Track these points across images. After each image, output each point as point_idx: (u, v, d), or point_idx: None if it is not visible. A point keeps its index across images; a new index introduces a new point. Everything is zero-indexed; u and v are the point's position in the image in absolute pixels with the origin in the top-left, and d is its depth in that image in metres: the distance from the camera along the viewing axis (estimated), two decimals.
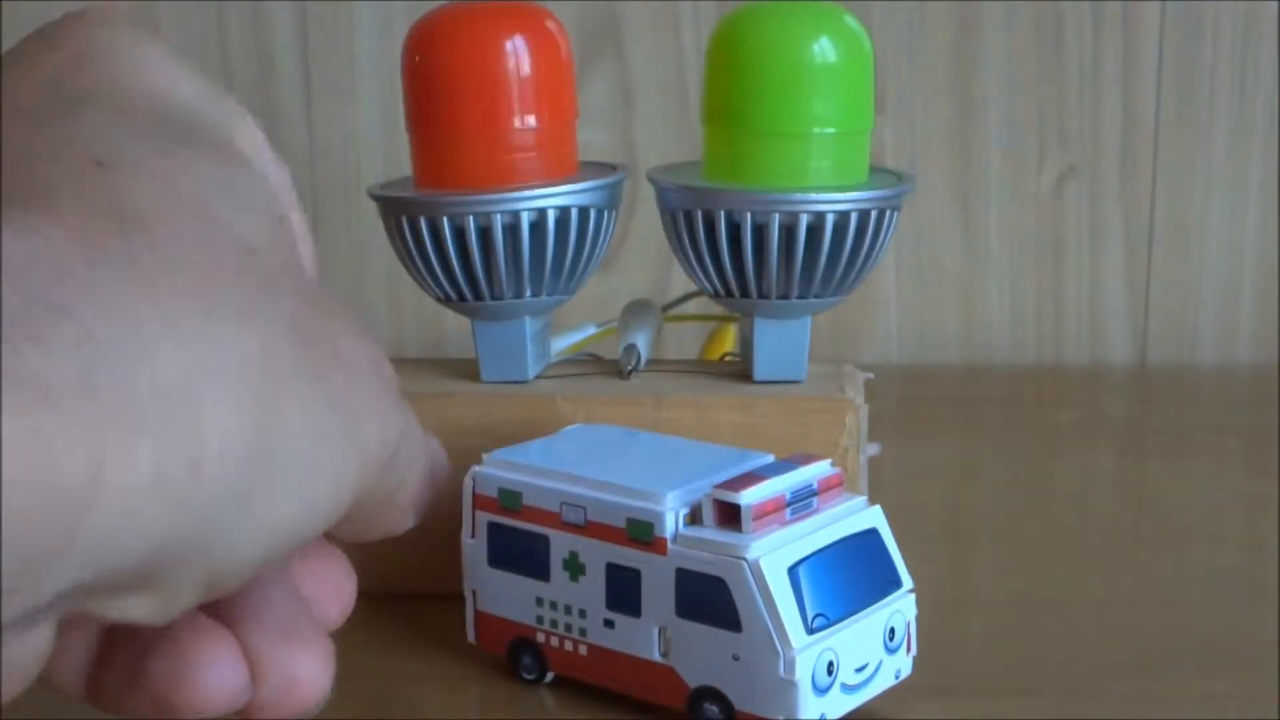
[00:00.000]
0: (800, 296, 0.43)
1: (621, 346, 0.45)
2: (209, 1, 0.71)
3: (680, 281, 0.47)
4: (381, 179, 0.47)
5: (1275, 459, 0.58)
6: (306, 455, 0.25)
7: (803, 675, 0.33)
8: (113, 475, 0.21)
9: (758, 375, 0.44)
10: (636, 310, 0.48)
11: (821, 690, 0.34)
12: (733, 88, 0.43)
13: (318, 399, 0.25)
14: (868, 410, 0.43)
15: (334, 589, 0.31)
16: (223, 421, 0.23)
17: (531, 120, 0.43)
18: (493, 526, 0.38)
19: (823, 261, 0.42)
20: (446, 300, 0.44)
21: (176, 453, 0.22)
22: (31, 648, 0.23)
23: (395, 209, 0.43)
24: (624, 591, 0.36)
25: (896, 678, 0.36)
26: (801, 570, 0.34)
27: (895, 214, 0.43)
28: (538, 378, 0.45)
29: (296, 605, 0.29)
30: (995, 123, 0.72)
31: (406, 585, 0.43)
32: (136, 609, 0.24)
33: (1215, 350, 0.74)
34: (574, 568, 0.37)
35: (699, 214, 0.43)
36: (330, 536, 0.30)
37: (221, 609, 0.28)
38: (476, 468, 0.38)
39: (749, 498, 0.34)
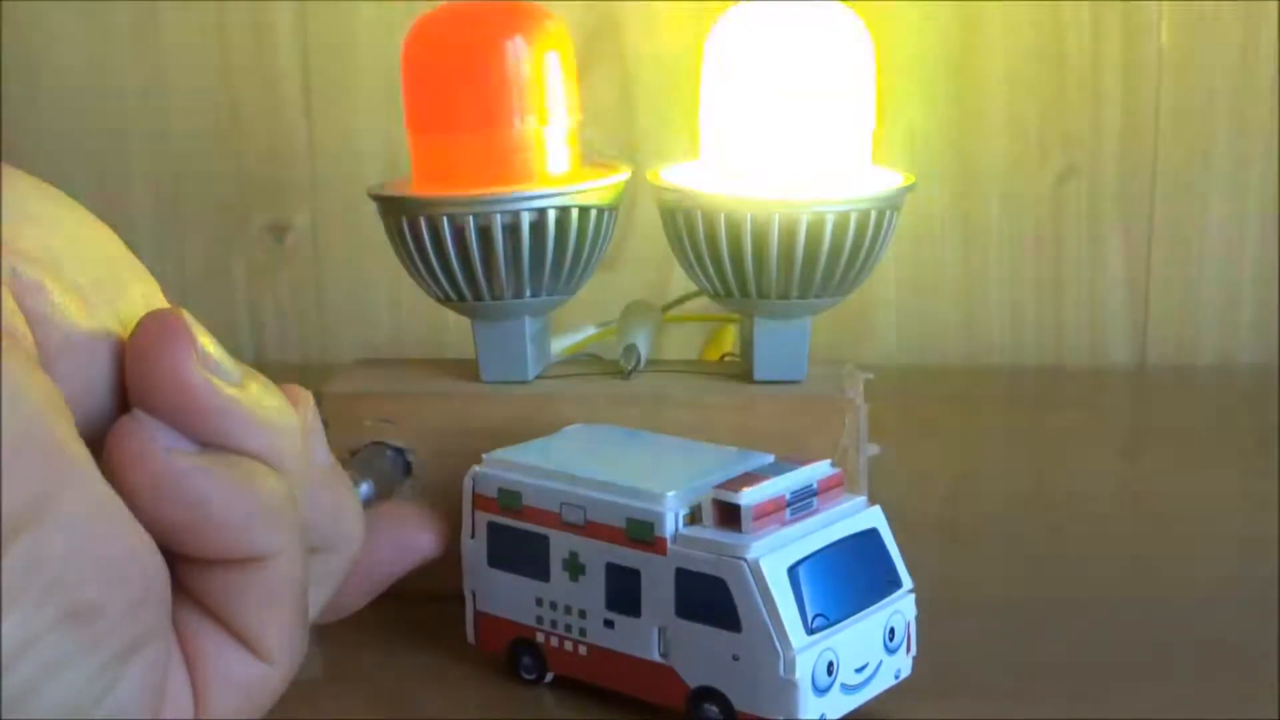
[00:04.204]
0: (800, 297, 0.43)
1: (621, 346, 0.45)
2: (209, 1, 0.71)
3: (680, 281, 0.47)
4: (381, 179, 0.47)
5: (1275, 459, 0.58)
6: None
7: (803, 675, 0.33)
8: None
9: (758, 375, 0.44)
10: (636, 310, 0.48)
11: (821, 690, 0.34)
12: (730, 89, 0.43)
13: None
14: (868, 410, 0.43)
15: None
16: None
17: (532, 120, 0.43)
18: (493, 526, 0.38)
19: (823, 262, 0.42)
20: (446, 300, 0.44)
21: None
22: None
23: (395, 209, 0.43)
24: (624, 592, 0.36)
25: (896, 678, 0.36)
26: (801, 570, 0.34)
27: (895, 214, 0.43)
28: (538, 378, 0.45)
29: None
30: (995, 123, 0.72)
31: (406, 585, 0.43)
32: None
33: (1215, 350, 0.74)
34: (574, 568, 0.37)
35: (699, 214, 0.43)
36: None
37: None
38: (476, 468, 0.38)
39: (749, 498, 0.34)
